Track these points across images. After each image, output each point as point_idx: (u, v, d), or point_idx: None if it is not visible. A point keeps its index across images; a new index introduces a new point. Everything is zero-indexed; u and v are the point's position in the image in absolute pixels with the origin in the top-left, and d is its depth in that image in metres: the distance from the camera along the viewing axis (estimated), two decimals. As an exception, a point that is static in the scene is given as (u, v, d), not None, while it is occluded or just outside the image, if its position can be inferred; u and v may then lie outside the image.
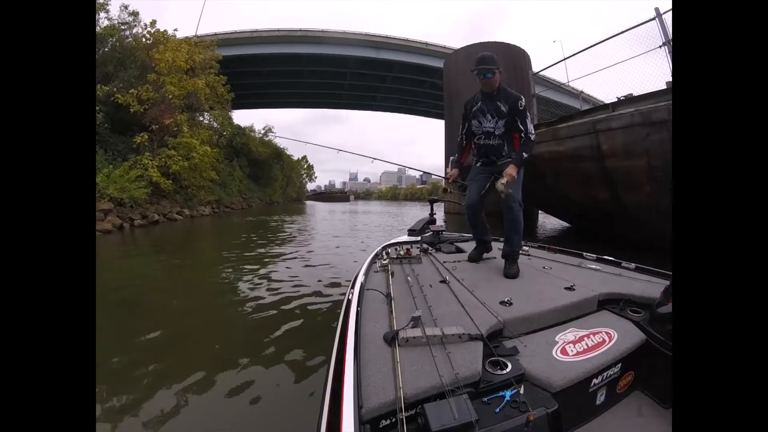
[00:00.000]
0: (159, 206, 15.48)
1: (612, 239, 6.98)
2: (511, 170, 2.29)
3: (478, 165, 2.65)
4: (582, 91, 9.06)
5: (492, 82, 2.39)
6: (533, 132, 2.39)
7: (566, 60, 8.38)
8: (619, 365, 1.33)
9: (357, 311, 1.53)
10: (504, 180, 2.27)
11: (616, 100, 5.92)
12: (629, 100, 5.68)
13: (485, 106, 2.47)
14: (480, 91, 2.52)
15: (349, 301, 1.71)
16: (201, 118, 22.79)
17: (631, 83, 6.39)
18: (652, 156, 5.12)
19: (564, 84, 9.54)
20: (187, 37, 21.40)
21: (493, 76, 2.37)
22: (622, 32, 6.57)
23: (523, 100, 2.39)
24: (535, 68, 12.02)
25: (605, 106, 6.17)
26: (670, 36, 5.73)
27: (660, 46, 5.82)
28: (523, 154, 2.36)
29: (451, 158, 2.85)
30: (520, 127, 2.38)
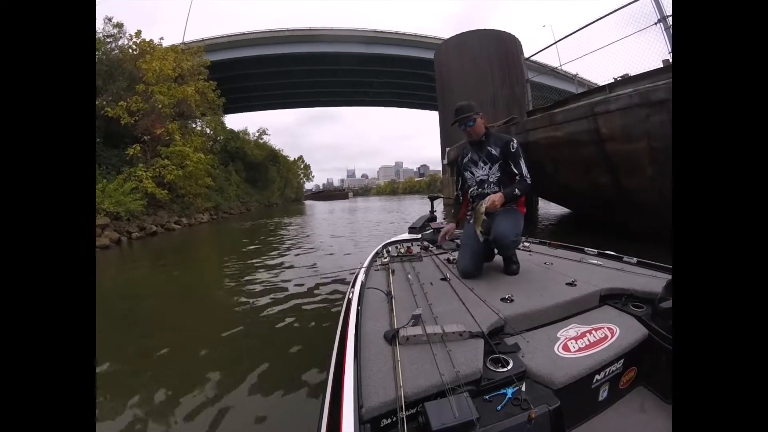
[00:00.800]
0: (156, 217, 15.35)
1: (613, 228, 6.83)
2: (497, 197, 2.05)
3: (471, 222, 2.33)
4: (576, 74, 8.86)
5: (476, 129, 2.29)
6: (528, 175, 2.21)
7: (559, 42, 8.16)
8: (622, 361, 1.32)
9: (357, 310, 1.54)
10: (484, 205, 2.03)
11: (613, 81, 5.74)
12: (627, 80, 5.50)
13: (476, 155, 2.36)
14: (468, 142, 2.42)
15: (349, 300, 1.71)
16: (194, 126, 22.54)
17: (626, 65, 6.24)
18: (653, 138, 4.94)
19: (557, 68, 9.32)
20: (173, 45, 21.15)
21: (475, 123, 2.27)
22: (615, 11, 6.38)
23: (515, 141, 2.24)
24: (527, 54, 11.71)
25: (602, 88, 5.99)
26: (666, 12, 5.55)
27: (655, 23, 5.63)
28: (516, 190, 2.15)
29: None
30: (514, 170, 2.22)
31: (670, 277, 1.61)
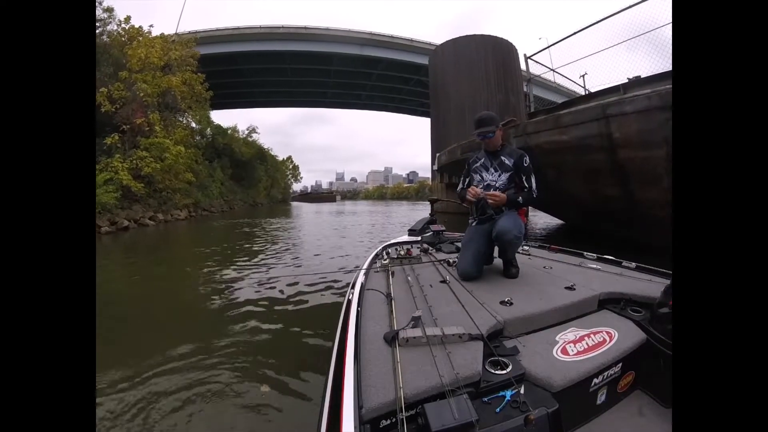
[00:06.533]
0: (130, 211, 14.50)
1: (618, 242, 6.36)
2: (498, 194, 2.22)
3: (473, 224, 2.51)
4: (584, 74, 8.48)
5: (494, 141, 2.41)
6: (536, 190, 2.33)
7: (560, 56, 7.81)
8: (620, 365, 1.34)
9: (357, 311, 1.54)
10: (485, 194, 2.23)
11: (627, 80, 5.29)
12: (645, 80, 5.05)
13: (488, 162, 2.47)
14: (483, 149, 2.55)
15: (349, 302, 1.71)
16: (181, 119, 21.71)
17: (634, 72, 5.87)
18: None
19: (556, 79, 8.96)
20: (162, 34, 20.38)
21: (494, 135, 2.38)
22: (628, 8, 5.97)
23: (528, 157, 2.37)
24: (523, 66, 11.23)
25: (616, 88, 5.53)
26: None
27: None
28: (519, 198, 2.28)
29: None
30: (525, 184, 2.34)
31: (668, 282, 1.62)
